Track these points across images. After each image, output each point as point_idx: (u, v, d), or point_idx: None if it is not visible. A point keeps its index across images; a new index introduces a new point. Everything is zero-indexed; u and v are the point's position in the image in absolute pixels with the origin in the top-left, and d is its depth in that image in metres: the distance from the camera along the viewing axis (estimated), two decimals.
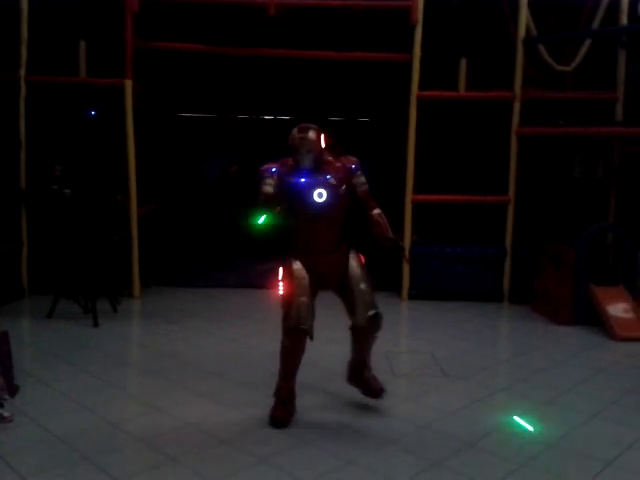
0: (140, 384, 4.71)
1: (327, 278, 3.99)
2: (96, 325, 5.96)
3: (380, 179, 8.40)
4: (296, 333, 3.81)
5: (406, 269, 7.51)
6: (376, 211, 4.00)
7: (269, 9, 7.04)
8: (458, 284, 7.52)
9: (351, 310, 3.99)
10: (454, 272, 7.51)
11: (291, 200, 3.91)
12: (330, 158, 4.01)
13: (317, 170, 3.89)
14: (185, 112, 9.20)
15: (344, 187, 3.95)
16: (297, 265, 3.93)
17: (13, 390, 4.15)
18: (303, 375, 4.35)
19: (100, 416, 3.91)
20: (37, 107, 7.12)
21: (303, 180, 3.86)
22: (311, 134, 3.86)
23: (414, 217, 7.50)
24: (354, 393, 4.30)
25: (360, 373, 4.15)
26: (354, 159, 4.05)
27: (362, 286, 3.95)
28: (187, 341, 5.67)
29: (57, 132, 7.22)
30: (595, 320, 6.28)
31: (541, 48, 7.40)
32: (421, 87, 7.34)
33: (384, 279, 7.99)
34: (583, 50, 7.38)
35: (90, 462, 3.31)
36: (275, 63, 7.86)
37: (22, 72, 6.98)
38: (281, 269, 3.95)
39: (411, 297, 7.54)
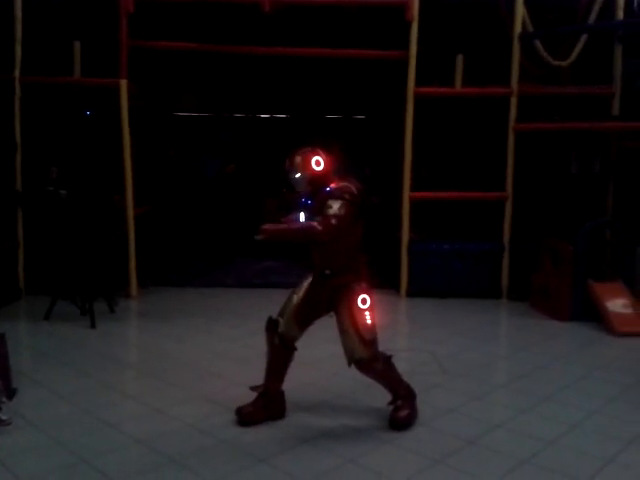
0: (138, 385, 4.69)
1: (319, 301, 3.84)
2: (93, 326, 5.93)
3: (377, 177, 8.41)
4: (269, 323, 3.90)
5: (404, 267, 7.49)
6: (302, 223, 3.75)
7: (264, 6, 7.01)
8: (456, 281, 7.51)
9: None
10: (452, 269, 7.49)
11: None
12: (332, 183, 3.73)
13: (313, 195, 3.76)
14: (181, 111, 9.17)
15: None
16: (306, 280, 3.90)
17: (11, 393, 4.12)
18: (304, 374, 4.35)
19: (98, 418, 3.88)
20: (32, 108, 7.09)
21: (302, 200, 3.80)
22: (298, 159, 3.73)
23: (412, 214, 7.48)
24: (354, 392, 4.28)
25: (394, 405, 3.93)
26: (341, 185, 3.70)
27: (344, 327, 3.70)
28: (185, 341, 5.64)
29: (53, 133, 7.19)
30: (594, 316, 6.27)
31: (537, 43, 7.39)
32: (417, 84, 7.33)
33: (383, 277, 7.99)
34: (579, 45, 7.37)
35: (89, 464, 3.29)
36: (271, 61, 7.83)
37: (17, 73, 6.95)
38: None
39: (410, 294, 7.53)
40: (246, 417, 3.84)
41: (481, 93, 7.51)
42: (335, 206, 3.57)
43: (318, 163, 3.72)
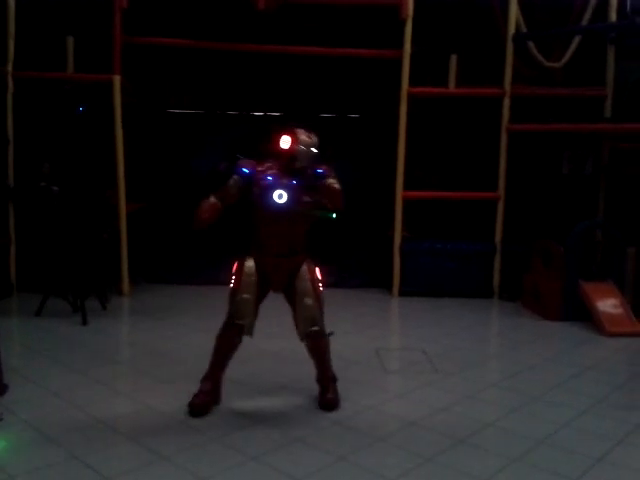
0: (130, 382, 4.68)
1: (272, 280, 4.01)
2: (85, 323, 5.91)
3: (371, 176, 8.41)
4: (231, 328, 3.92)
5: (396, 266, 7.52)
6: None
7: (258, 4, 7.00)
8: (449, 280, 7.54)
9: (296, 323, 4.02)
10: (444, 268, 7.53)
11: (256, 198, 3.90)
12: (307, 165, 3.91)
13: (293, 174, 3.86)
14: (174, 108, 9.13)
15: (309, 197, 3.88)
16: (249, 263, 3.97)
17: (2, 389, 4.12)
18: (296, 372, 4.36)
19: (90, 414, 3.87)
20: (25, 103, 7.05)
21: (269, 179, 3.85)
22: (312, 135, 3.93)
23: (405, 213, 7.51)
24: (345, 390, 4.30)
25: (321, 386, 4.14)
26: (325, 166, 3.90)
27: (307, 301, 3.93)
28: (176, 339, 5.64)
29: (45, 128, 7.15)
30: (585, 316, 6.32)
31: (530, 45, 7.43)
32: (411, 83, 7.34)
33: (375, 276, 8.01)
34: (572, 47, 7.41)
35: (80, 461, 3.28)
36: (265, 59, 7.82)
37: (9, 67, 6.91)
38: (235, 264, 4.00)
39: (402, 294, 7.55)
40: (199, 408, 3.90)
41: (474, 93, 7.54)
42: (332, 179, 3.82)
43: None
